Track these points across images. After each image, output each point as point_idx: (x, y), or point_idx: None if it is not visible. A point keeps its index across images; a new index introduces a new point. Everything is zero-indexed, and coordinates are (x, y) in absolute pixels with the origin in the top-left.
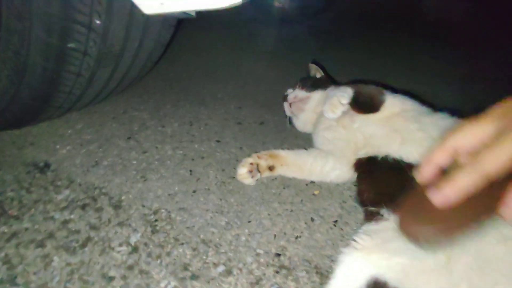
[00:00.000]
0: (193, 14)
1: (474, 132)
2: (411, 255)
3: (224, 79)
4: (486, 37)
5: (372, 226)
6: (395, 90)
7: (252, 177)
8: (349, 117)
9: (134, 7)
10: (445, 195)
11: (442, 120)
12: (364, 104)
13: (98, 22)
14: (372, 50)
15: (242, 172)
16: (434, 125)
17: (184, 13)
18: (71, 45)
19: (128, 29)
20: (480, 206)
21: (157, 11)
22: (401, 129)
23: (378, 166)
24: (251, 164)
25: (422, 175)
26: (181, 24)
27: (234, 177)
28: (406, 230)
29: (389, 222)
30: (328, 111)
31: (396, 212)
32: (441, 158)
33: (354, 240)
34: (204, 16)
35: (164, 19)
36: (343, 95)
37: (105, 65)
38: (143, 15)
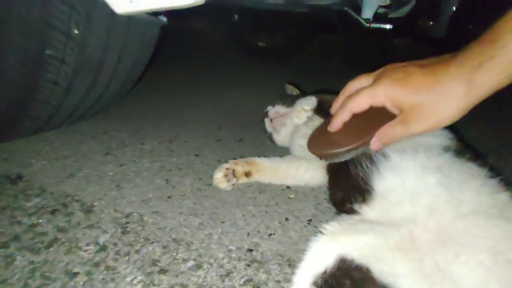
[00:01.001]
0: (164, 19)
1: (359, 82)
2: (376, 234)
3: (205, 106)
4: None
5: (342, 216)
6: None
7: (228, 181)
8: (318, 122)
9: (113, 19)
10: (334, 125)
11: None
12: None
13: (76, 31)
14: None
15: (218, 176)
16: None
17: (156, 17)
18: (48, 51)
19: (107, 42)
20: (357, 133)
21: (127, 10)
22: None
23: (348, 165)
24: (227, 169)
25: (333, 111)
26: (165, 58)
27: (210, 185)
28: (312, 150)
29: (360, 216)
30: (294, 117)
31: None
32: (337, 106)
33: (324, 227)
34: (190, 53)
35: (143, 36)
36: (307, 102)
37: (83, 76)
38: (122, 29)
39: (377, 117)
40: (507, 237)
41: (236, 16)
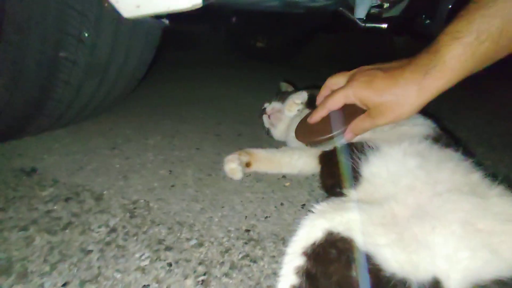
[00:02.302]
0: (167, 22)
1: (336, 80)
2: (361, 212)
3: (206, 104)
4: None
5: (332, 198)
6: None
7: (241, 170)
8: None
9: (119, 23)
10: (313, 118)
11: None
12: None
13: (86, 35)
14: None
15: (233, 166)
16: None
17: (159, 20)
18: (62, 54)
19: (113, 44)
20: (333, 125)
21: (134, 14)
22: None
23: (338, 155)
24: (238, 158)
25: (312, 121)
26: (167, 59)
27: (211, 175)
28: (297, 137)
29: (348, 198)
30: (286, 110)
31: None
32: (320, 99)
33: (315, 207)
34: (190, 54)
35: (146, 38)
36: (298, 96)
37: (92, 76)
38: (127, 32)
39: (350, 111)
40: (476, 209)
41: (234, 18)
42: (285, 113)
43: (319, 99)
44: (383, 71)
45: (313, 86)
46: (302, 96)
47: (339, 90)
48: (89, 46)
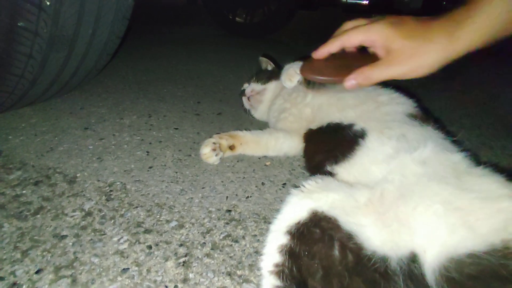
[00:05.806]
0: None
1: (356, 22)
2: (347, 193)
3: (185, 82)
4: None
5: (320, 176)
6: None
7: (216, 155)
8: (302, 94)
9: None
10: (319, 52)
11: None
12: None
13: (48, 2)
14: None
15: (206, 151)
16: (363, 90)
17: None
18: (21, 24)
19: (80, 15)
20: (339, 70)
21: None
22: (340, 98)
23: (324, 132)
24: (214, 143)
25: (316, 55)
26: (142, 33)
27: (190, 155)
28: (301, 72)
29: (335, 177)
30: (286, 80)
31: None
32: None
33: (303, 185)
34: (167, 28)
35: (117, 8)
36: (299, 66)
37: (58, 50)
38: (95, 0)
39: (361, 60)
40: (457, 189)
41: None
42: (286, 84)
43: (320, 53)
44: (413, 19)
45: (304, 57)
46: None
47: (359, 26)
48: (51, 15)
